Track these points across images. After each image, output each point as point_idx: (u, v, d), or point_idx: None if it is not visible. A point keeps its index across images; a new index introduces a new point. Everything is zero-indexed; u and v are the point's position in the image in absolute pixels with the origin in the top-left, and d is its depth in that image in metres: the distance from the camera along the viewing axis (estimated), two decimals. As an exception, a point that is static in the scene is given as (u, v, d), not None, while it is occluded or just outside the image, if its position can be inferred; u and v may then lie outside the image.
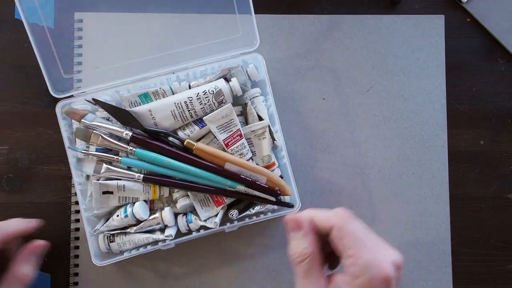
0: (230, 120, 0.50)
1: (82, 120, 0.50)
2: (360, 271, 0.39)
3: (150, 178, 0.50)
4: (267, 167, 0.52)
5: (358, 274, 0.39)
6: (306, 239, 0.41)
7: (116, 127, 0.50)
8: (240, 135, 0.51)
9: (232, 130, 0.51)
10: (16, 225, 0.50)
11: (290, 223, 0.42)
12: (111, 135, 0.50)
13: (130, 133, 0.50)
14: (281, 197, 0.52)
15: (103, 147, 0.51)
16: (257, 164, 0.53)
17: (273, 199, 0.52)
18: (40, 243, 0.50)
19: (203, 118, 0.50)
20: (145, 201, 0.52)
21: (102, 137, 0.50)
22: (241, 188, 0.50)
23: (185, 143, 0.50)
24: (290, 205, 0.52)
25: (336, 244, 0.40)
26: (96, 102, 0.50)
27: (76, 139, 0.52)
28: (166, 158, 0.50)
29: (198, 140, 0.52)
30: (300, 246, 0.41)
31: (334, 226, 0.40)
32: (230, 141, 0.51)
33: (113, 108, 0.50)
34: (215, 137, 0.51)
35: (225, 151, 0.51)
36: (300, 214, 0.42)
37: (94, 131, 0.50)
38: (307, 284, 0.41)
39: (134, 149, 0.50)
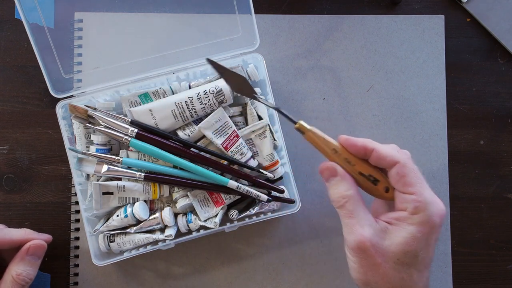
0: (224, 123, 0.51)
1: (89, 112, 0.50)
2: (421, 207, 0.41)
3: (151, 177, 0.50)
4: (271, 165, 0.52)
5: (419, 210, 0.41)
6: (344, 182, 0.43)
7: (120, 122, 0.50)
8: (237, 136, 0.51)
9: (228, 133, 0.51)
10: (24, 234, 0.50)
11: (325, 171, 0.44)
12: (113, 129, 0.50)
13: (136, 130, 0.50)
14: (279, 194, 0.52)
15: (103, 144, 0.51)
16: (260, 163, 0.53)
17: (280, 195, 0.52)
18: (38, 243, 0.49)
19: (198, 127, 0.50)
20: (145, 201, 0.52)
21: (102, 121, 0.49)
22: (244, 187, 0.51)
23: (296, 125, 0.45)
24: (291, 201, 0.52)
25: (395, 179, 0.42)
26: (210, 62, 0.46)
27: (76, 139, 0.52)
28: (164, 152, 0.50)
29: (197, 141, 0.52)
30: (340, 190, 0.43)
31: (399, 162, 0.42)
32: (228, 144, 0.51)
33: (228, 72, 0.46)
34: (211, 142, 0.51)
35: (225, 154, 0.51)
36: (358, 140, 0.43)
37: (95, 117, 0.50)
38: (355, 224, 0.42)
39: (134, 130, 0.50)
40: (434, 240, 0.42)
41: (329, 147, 0.45)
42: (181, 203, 0.52)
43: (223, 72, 0.46)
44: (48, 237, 0.52)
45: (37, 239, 0.49)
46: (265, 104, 0.46)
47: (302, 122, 0.45)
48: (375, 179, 0.44)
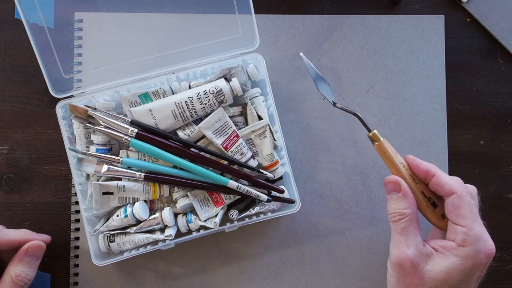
0: (224, 123, 0.51)
1: (89, 112, 0.50)
2: (469, 241, 0.42)
3: (151, 177, 0.50)
4: (271, 165, 0.52)
5: (466, 244, 0.42)
6: (405, 200, 0.45)
7: (120, 122, 0.50)
8: (237, 136, 0.51)
9: (228, 133, 0.51)
10: (23, 235, 0.50)
11: (389, 184, 0.46)
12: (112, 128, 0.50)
13: (136, 130, 0.50)
14: (279, 194, 0.52)
15: (103, 144, 0.51)
16: (260, 163, 0.53)
17: (280, 195, 0.52)
18: (36, 244, 0.49)
19: (198, 127, 0.50)
20: (145, 201, 0.52)
21: (102, 121, 0.49)
22: (244, 187, 0.51)
23: (370, 134, 0.47)
24: (291, 201, 0.52)
25: (450, 209, 0.43)
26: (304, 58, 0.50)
27: (76, 139, 0.52)
28: (164, 152, 0.50)
29: (197, 141, 0.52)
30: (399, 206, 0.45)
31: (456, 193, 0.43)
32: (228, 144, 0.51)
33: (318, 76, 0.50)
34: (211, 142, 0.51)
35: (225, 153, 0.51)
36: (422, 163, 0.46)
37: (94, 116, 0.50)
38: (403, 241, 0.44)
39: (134, 130, 0.50)
40: (476, 277, 0.42)
41: (398, 160, 0.47)
42: (181, 203, 0.52)
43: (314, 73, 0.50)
44: (47, 237, 0.52)
45: (36, 240, 0.49)
46: (347, 111, 0.49)
47: (376, 132, 0.47)
48: (434, 203, 0.46)
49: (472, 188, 0.45)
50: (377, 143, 0.47)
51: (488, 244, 0.42)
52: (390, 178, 0.46)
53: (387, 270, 0.45)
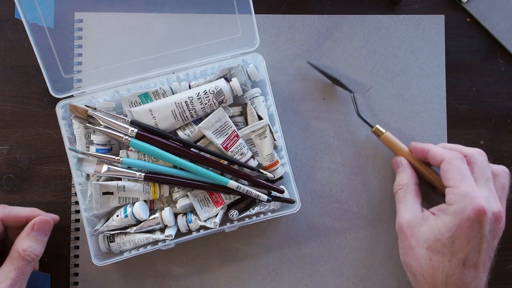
0: (224, 123, 0.51)
1: (89, 112, 0.50)
2: (455, 199, 0.44)
3: (151, 177, 0.50)
4: (271, 165, 0.52)
5: (453, 202, 0.44)
6: (403, 173, 0.51)
7: (120, 122, 0.50)
8: (237, 136, 0.51)
9: (228, 133, 0.51)
10: (30, 211, 0.49)
11: (394, 164, 0.53)
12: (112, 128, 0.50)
13: (136, 130, 0.50)
14: (279, 194, 0.52)
15: (103, 144, 0.51)
16: (260, 163, 0.53)
17: (280, 195, 0.52)
18: (44, 218, 0.48)
19: (198, 127, 0.50)
20: (145, 201, 0.52)
21: (102, 121, 0.49)
22: (244, 187, 0.51)
23: (373, 129, 0.55)
24: (291, 201, 0.52)
25: (442, 175, 0.47)
26: (310, 64, 0.56)
27: (76, 139, 0.52)
28: (164, 152, 0.50)
29: (197, 141, 0.52)
30: (399, 179, 0.51)
31: (444, 159, 0.47)
32: (228, 144, 0.51)
33: (328, 74, 0.56)
34: (211, 142, 0.51)
35: (225, 153, 0.51)
36: (417, 144, 0.52)
37: (94, 116, 0.50)
38: (402, 208, 0.49)
39: (134, 130, 0.50)
40: (473, 236, 0.43)
41: (401, 145, 0.54)
42: (181, 203, 0.52)
43: (325, 73, 0.56)
44: (55, 216, 0.51)
45: (43, 216, 0.49)
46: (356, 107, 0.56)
47: (378, 126, 0.55)
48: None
49: (456, 152, 0.48)
50: (381, 137, 0.54)
51: (476, 200, 0.43)
52: (394, 158, 0.53)
53: None
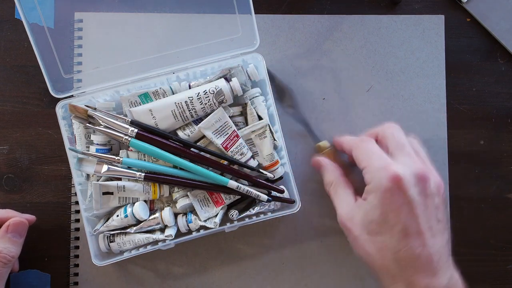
0: (224, 123, 0.51)
1: (89, 112, 0.50)
2: (371, 177, 0.44)
3: (151, 177, 0.50)
4: (271, 165, 0.52)
5: (370, 180, 0.44)
6: (327, 171, 0.51)
7: (120, 122, 0.50)
8: (237, 136, 0.51)
9: (228, 133, 0.51)
10: (4, 213, 0.49)
11: (315, 165, 0.53)
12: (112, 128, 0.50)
13: (136, 130, 0.50)
14: (279, 194, 0.52)
15: (103, 144, 0.51)
16: (260, 163, 0.53)
17: (280, 195, 0.52)
18: (18, 220, 0.48)
19: (198, 127, 0.50)
20: (145, 201, 0.52)
21: (102, 121, 0.49)
22: (244, 187, 0.51)
23: (316, 145, 0.56)
24: (291, 201, 0.52)
25: (356, 162, 0.47)
26: (270, 74, 0.55)
27: (76, 139, 0.52)
28: (164, 152, 0.50)
29: (197, 141, 0.52)
30: (325, 178, 0.51)
31: (352, 148, 0.47)
32: (228, 144, 0.51)
33: (279, 86, 0.57)
34: (211, 142, 0.51)
35: (225, 153, 0.51)
36: (334, 139, 0.53)
37: (94, 116, 0.50)
38: (338, 204, 0.49)
39: (134, 130, 0.50)
40: (401, 204, 0.42)
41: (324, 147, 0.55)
42: (181, 203, 0.52)
43: (276, 84, 0.57)
44: (31, 217, 0.51)
45: (18, 217, 0.49)
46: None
47: (325, 142, 0.55)
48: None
49: (362, 136, 0.48)
50: (323, 152, 0.55)
51: (388, 169, 0.42)
52: (312, 161, 0.53)
53: None
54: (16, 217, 0.49)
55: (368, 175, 0.44)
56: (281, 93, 0.57)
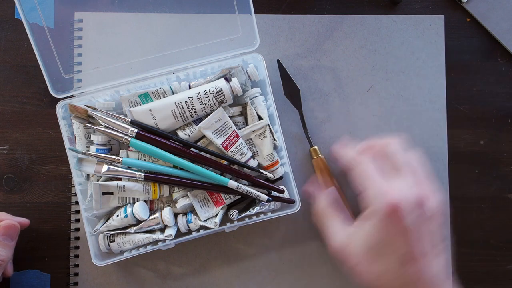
0: (224, 123, 0.51)
1: (89, 112, 0.50)
2: (368, 202, 0.43)
3: (151, 177, 0.50)
4: (271, 165, 0.52)
5: (367, 205, 0.43)
6: (317, 200, 0.51)
7: (120, 122, 0.50)
8: (237, 136, 0.51)
9: (228, 133, 0.51)
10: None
11: (305, 194, 0.53)
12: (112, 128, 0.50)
13: (136, 130, 0.50)
14: (279, 194, 0.52)
15: (103, 144, 0.51)
16: (260, 163, 0.53)
17: (280, 195, 0.52)
18: (9, 223, 0.48)
19: (198, 127, 0.50)
20: (145, 201, 0.52)
21: (102, 121, 0.49)
22: (244, 187, 0.51)
23: (311, 149, 0.56)
24: (291, 201, 0.52)
25: (353, 183, 0.46)
26: (279, 64, 0.55)
27: (76, 139, 0.52)
28: (164, 152, 0.50)
29: (197, 141, 0.52)
30: (315, 208, 0.51)
31: (348, 168, 0.47)
32: (228, 144, 0.51)
33: (287, 79, 0.56)
34: (211, 142, 0.51)
35: (225, 153, 0.51)
36: (332, 151, 0.51)
37: (94, 116, 0.50)
38: (328, 234, 0.47)
39: (134, 130, 0.50)
40: (396, 233, 0.41)
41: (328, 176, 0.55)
42: (181, 203, 0.52)
43: (284, 75, 0.56)
44: (24, 220, 0.51)
45: (9, 220, 0.49)
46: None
47: (316, 148, 0.56)
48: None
49: (360, 155, 0.46)
50: (314, 159, 0.55)
51: (386, 196, 0.41)
52: (303, 190, 0.54)
53: None
54: (8, 220, 0.48)
55: (364, 201, 0.43)
56: (293, 92, 0.56)
